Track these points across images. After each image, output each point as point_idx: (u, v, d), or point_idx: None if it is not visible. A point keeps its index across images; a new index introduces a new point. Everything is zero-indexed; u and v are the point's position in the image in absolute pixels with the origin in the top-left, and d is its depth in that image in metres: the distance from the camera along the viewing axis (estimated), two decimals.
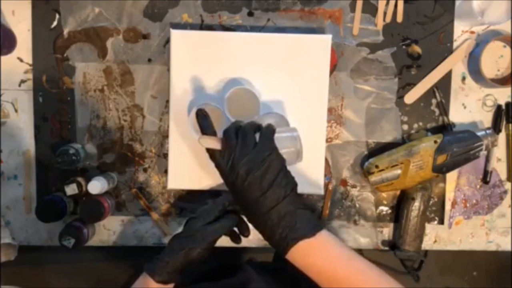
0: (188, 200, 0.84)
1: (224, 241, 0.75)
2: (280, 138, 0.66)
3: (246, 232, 0.70)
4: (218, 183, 0.82)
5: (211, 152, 0.64)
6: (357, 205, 0.86)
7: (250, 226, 0.66)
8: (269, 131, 0.64)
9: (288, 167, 0.63)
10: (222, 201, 0.68)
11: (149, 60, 0.83)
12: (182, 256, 0.64)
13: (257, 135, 0.64)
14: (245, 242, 0.85)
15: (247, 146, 0.61)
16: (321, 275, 0.59)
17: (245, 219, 0.72)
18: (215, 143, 0.63)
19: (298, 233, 0.58)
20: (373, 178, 0.81)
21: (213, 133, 0.66)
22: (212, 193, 0.82)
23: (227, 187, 0.63)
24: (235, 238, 0.71)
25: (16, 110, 0.83)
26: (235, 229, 0.70)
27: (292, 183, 0.61)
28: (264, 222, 0.59)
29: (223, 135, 0.64)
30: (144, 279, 0.65)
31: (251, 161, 0.60)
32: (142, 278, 0.65)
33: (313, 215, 0.61)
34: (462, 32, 0.85)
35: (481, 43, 0.84)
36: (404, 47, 0.85)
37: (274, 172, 0.60)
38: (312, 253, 0.58)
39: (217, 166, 0.63)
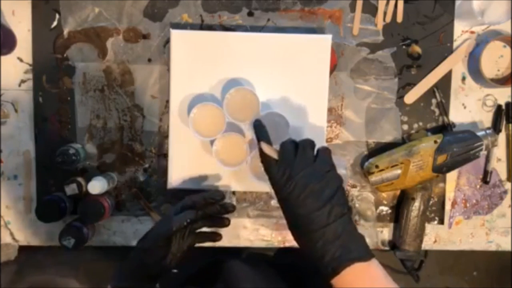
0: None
1: (225, 241, 0.75)
2: None
3: (217, 238, 0.72)
4: (218, 183, 0.82)
5: (266, 163, 0.62)
6: (357, 205, 0.86)
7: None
8: (327, 149, 0.63)
9: None
10: (184, 217, 0.66)
11: (149, 60, 0.83)
12: (134, 256, 0.65)
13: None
14: (247, 242, 0.85)
15: (307, 160, 0.59)
16: None
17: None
18: (273, 152, 0.62)
19: (353, 255, 0.55)
20: (373, 178, 0.81)
21: (270, 143, 0.65)
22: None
23: (278, 201, 0.61)
24: (210, 239, 0.73)
25: (16, 110, 0.83)
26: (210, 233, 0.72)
27: (348, 205, 0.59)
28: (315, 239, 0.56)
29: (280, 147, 0.62)
30: None
31: (311, 174, 0.58)
32: None
33: (365, 242, 0.58)
34: (462, 32, 0.85)
35: (481, 43, 0.84)
36: (404, 47, 0.85)
37: (333, 188, 0.57)
38: (363, 278, 0.55)
39: (271, 177, 0.61)
